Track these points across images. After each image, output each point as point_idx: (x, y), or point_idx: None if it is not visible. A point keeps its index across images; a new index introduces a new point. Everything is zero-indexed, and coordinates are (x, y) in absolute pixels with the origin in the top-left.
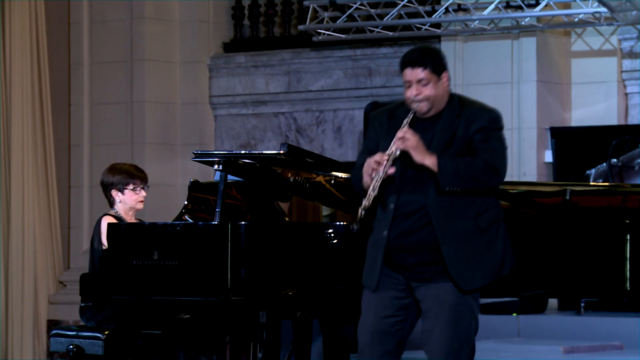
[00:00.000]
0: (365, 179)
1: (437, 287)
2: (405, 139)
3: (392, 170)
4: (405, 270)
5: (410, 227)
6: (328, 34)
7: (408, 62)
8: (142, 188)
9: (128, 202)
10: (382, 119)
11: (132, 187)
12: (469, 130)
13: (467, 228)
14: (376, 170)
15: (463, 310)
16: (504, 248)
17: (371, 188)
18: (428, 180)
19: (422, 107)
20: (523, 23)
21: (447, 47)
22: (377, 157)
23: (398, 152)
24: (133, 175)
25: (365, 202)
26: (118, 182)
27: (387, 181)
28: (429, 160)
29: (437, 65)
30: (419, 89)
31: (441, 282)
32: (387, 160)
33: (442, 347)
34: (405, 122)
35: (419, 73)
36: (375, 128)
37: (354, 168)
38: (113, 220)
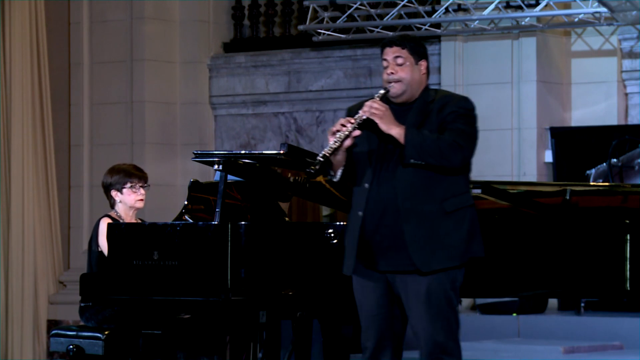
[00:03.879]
0: (329, 137)
1: (414, 281)
2: (373, 107)
3: (356, 133)
4: (381, 256)
5: (383, 208)
6: (328, 34)
7: (388, 42)
8: (141, 187)
9: (127, 201)
10: (358, 112)
11: (129, 186)
12: (440, 114)
13: (431, 210)
14: (340, 131)
15: (442, 303)
16: (470, 235)
17: (332, 142)
18: (398, 159)
19: (396, 87)
20: (523, 23)
21: (447, 47)
22: (343, 120)
23: (364, 117)
24: (130, 174)
25: (325, 151)
26: (116, 182)
27: (361, 157)
28: (395, 130)
29: (415, 49)
30: (395, 69)
31: (413, 274)
32: (352, 123)
33: (427, 344)
34: (376, 95)
35: (396, 51)
36: None
37: None
38: (112, 222)
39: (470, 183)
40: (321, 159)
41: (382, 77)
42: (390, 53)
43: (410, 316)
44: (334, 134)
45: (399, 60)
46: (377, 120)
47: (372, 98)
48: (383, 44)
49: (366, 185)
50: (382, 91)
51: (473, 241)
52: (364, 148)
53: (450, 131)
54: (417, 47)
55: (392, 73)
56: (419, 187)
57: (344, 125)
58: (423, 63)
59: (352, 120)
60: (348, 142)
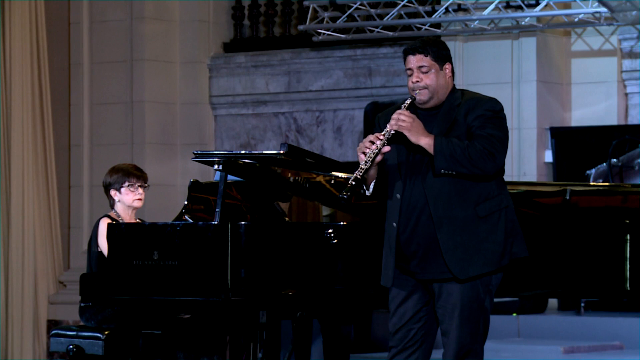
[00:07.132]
0: (360, 156)
1: (450, 286)
2: (400, 119)
3: (386, 149)
4: (417, 265)
5: (416, 217)
6: (328, 34)
7: (410, 49)
8: (140, 186)
9: (125, 200)
10: (387, 119)
11: (127, 185)
12: (467, 118)
13: (465, 216)
14: (369, 149)
15: (474, 307)
16: (506, 237)
17: (363, 163)
18: (428, 167)
19: (422, 95)
20: (523, 23)
21: None
22: (371, 137)
23: (392, 132)
24: (129, 173)
25: (357, 174)
26: (115, 181)
27: (391, 169)
28: (424, 141)
29: (439, 55)
30: (419, 76)
31: (450, 281)
32: (381, 140)
33: (454, 345)
34: (402, 105)
35: (420, 59)
36: (382, 129)
37: None
38: (111, 222)
39: (504, 184)
40: (353, 183)
41: (407, 84)
42: (414, 61)
43: (440, 315)
44: (363, 152)
45: (424, 69)
46: (405, 133)
47: (399, 108)
48: (405, 51)
49: (398, 195)
50: (408, 100)
51: (512, 243)
52: (394, 160)
53: (480, 137)
54: (440, 52)
55: (417, 81)
56: (451, 193)
57: (372, 142)
58: (448, 66)
59: (381, 137)
60: (379, 159)
